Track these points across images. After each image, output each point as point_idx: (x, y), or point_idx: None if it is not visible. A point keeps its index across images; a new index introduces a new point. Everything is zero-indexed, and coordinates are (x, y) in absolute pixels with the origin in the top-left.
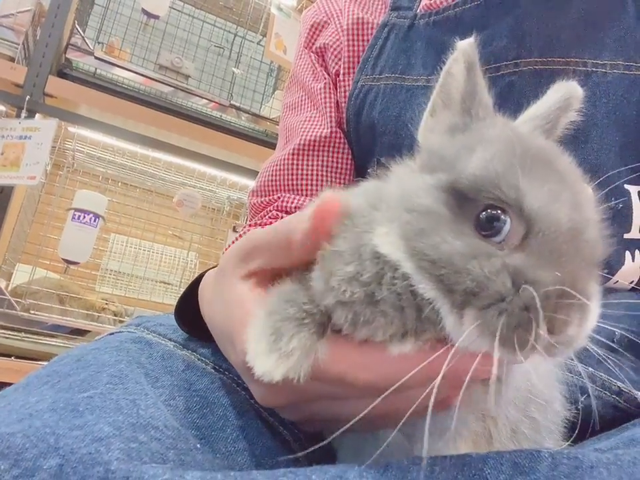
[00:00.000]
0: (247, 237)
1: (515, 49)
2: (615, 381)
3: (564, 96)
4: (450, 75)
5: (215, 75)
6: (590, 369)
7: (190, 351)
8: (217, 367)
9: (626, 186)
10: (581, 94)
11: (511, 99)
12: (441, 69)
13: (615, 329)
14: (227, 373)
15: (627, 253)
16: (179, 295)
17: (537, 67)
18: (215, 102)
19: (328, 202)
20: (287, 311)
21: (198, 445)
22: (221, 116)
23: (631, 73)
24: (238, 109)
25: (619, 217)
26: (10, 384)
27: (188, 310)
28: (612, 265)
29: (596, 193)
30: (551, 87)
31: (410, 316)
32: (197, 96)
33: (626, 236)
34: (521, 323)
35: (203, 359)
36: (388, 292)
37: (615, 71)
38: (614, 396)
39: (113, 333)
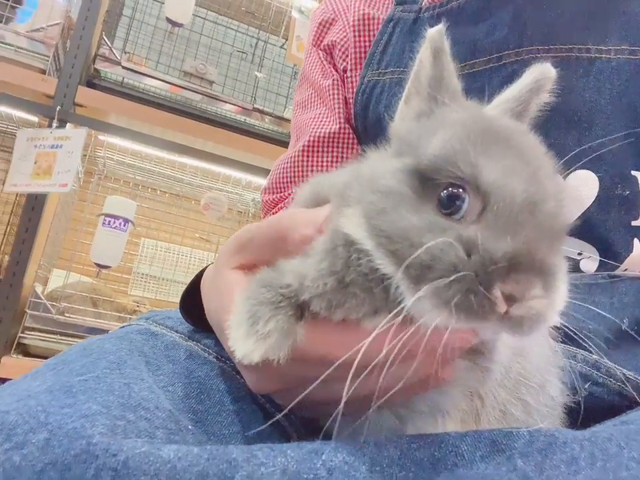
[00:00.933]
0: (243, 230)
1: (517, 38)
2: (621, 368)
3: (535, 78)
4: (420, 62)
5: (238, 80)
6: (594, 356)
7: (194, 342)
8: (219, 357)
9: (633, 172)
10: (554, 75)
11: None
12: None
13: (623, 318)
14: (228, 362)
15: (636, 240)
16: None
17: (539, 55)
18: (238, 106)
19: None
20: (264, 295)
21: (190, 427)
22: (245, 120)
23: (636, 57)
24: (261, 112)
25: (627, 204)
26: None
27: (195, 304)
28: (620, 253)
29: (603, 181)
30: None
31: (379, 295)
32: (221, 101)
33: (634, 223)
34: (470, 290)
35: (206, 349)
36: (355, 274)
37: (619, 56)
38: (619, 383)
39: (123, 326)
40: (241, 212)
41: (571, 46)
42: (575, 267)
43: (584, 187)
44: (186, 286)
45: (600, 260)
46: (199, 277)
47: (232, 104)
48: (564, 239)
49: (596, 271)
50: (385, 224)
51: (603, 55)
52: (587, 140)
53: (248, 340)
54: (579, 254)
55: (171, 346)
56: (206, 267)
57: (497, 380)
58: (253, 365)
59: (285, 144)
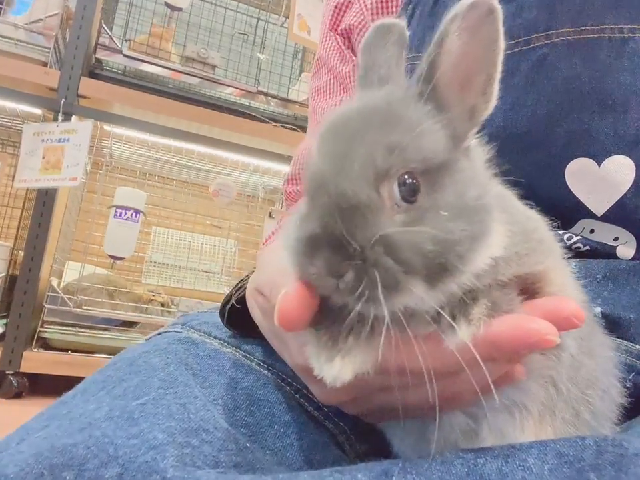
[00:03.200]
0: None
1: (546, 19)
2: None
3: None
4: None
5: (241, 62)
6: (638, 346)
7: (235, 348)
8: (260, 363)
9: None
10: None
11: (544, 72)
12: None
13: None
14: (271, 368)
15: None
16: (220, 283)
17: (569, 38)
18: (242, 89)
19: None
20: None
21: (247, 444)
22: (249, 103)
23: None
24: (266, 94)
25: None
26: (67, 377)
27: (232, 305)
28: None
29: None
30: (584, 57)
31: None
32: (224, 85)
33: None
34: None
35: (248, 356)
36: None
37: None
38: None
39: (160, 333)
40: (250, 196)
41: (603, 26)
42: (611, 254)
43: (619, 172)
44: (202, 274)
45: (637, 246)
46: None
47: (235, 87)
48: (364, 212)
49: (633, 257)
50: None
51: (637, 34)
52: (622, 124)
53: (334, 363)
54: (615, 239)
55: (213, 354)
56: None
57: (568, 373)
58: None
59: (291, 126)
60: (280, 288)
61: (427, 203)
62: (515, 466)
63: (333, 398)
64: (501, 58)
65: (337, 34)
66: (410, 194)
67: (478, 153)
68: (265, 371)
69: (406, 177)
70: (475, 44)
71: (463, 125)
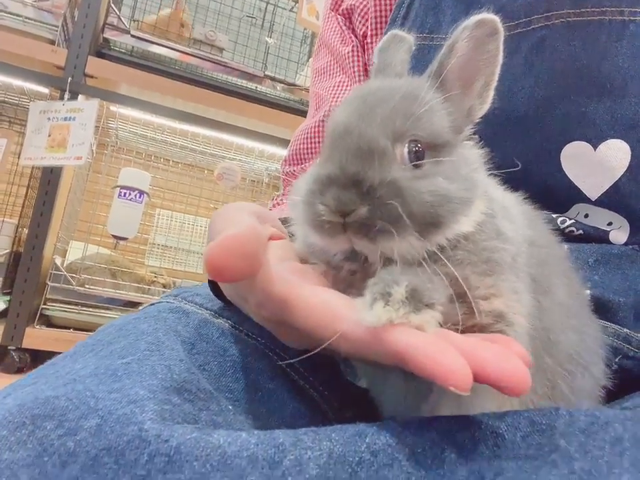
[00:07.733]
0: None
1: (546, 0)
2: None
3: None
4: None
5: (249, 46)
6: (625, 329)
7: (224, 319)
8: (249, 334)
9: None
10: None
11: (543, 54)
12: None
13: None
14: (259, 339)
15: None
16: None
17: (569, 20)
18: (249, 73)
19: None
20: None
21: (230, 407)
22: (256, 87)
23: None
24: (273, 79)
25: None
26: None
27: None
28: None
29: (635, 151)
30: (584, 39)
31: None
32: (232, 68)
33: None
34: (311, 211)
35: (237, 326)
36: None
37: None
38: None
39: (153, 304)
40: (255, 181)
41: (603, 9)
42: (604, 238)
43: (615, 156)
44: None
45: (630, 231)
46: None
47: (243, 71)
48: (380, 157)
49: (626, 241)
50: None
51: (637, 18)
52: (619, 108)
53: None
54: (609, 224)
55: (203, 324)
56: None
57: (543, 345)
58: None
59: (297, 111)
60: None
61: (429, 170)
62: (487, 432)
63: (301, 343)
64: (498, 69)
65: (339, 14)
66: (416, 158)
67: (473, 150)
68: (253, 342)
69: (414, 143)
70: (478, 54)
71: (461, 120)
